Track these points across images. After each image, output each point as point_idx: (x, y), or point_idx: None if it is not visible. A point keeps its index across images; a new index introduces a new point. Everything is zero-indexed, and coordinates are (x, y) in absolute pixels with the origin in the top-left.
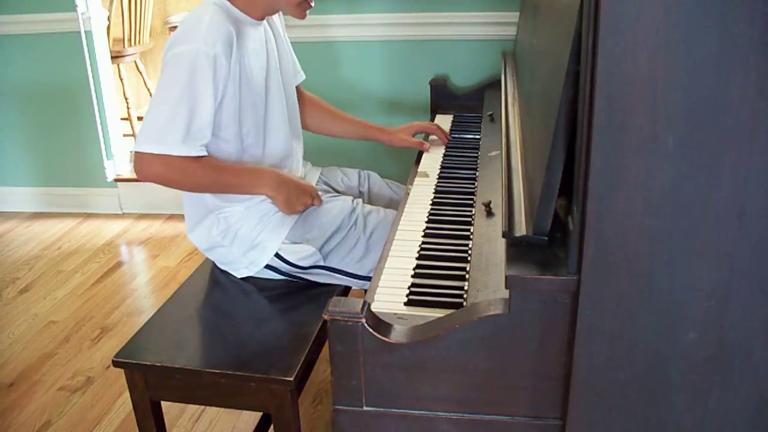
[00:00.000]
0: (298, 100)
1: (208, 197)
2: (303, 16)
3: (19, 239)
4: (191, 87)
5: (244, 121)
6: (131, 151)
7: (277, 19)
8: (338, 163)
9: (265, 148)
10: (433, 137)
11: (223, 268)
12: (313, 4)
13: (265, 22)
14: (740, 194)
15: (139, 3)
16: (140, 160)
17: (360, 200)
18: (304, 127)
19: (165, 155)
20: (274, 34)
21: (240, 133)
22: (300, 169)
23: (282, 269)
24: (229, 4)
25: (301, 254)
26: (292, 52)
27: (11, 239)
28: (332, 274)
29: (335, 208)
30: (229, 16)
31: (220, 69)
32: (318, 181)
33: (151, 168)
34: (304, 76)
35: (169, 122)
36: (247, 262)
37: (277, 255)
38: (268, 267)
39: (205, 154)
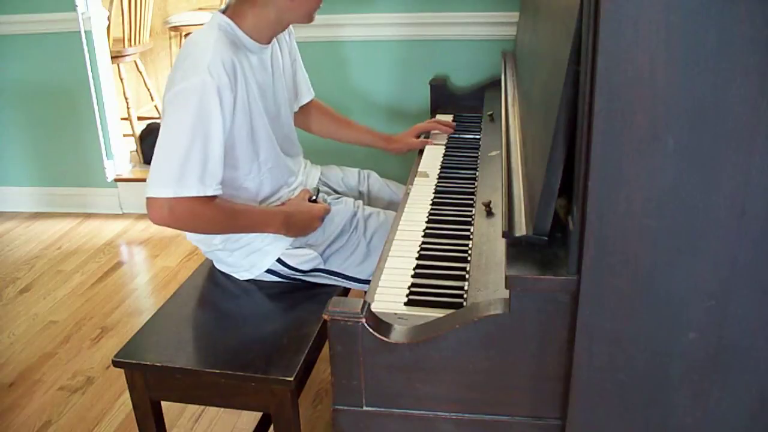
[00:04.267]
0: (308, 110)
1: None
2: (311, 20)
3: (19, 239)
4: (202, 122)
5: (260, 148)
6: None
7: (287, 36)
8: (338, 163)
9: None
10: (435, 132)
11: (223, 270)
12: (321, 5)
13: (274, 41)
14: (740, 194)
15: (139, 3)
16: (156, 206)
17: (360, 202)
18: (309, 130)
19: (184, 198)
20: (281, 51)
21: (258, 161)
22: (299, 178)
23: (282, 273)
24: (235, 27)
25: (303, 258)
26: (303, 68)
27: (11, 239)
28: (332, 277)
29: (338, 213)
30: (234, 42)
31: (226, 101)
32: (318, 181)
33: (172, 213)
34: (313, 94)
35: (184, 163)
36: (248, 266)
37: (278, 260)
38: (268, 271)
39: (221, 193)
